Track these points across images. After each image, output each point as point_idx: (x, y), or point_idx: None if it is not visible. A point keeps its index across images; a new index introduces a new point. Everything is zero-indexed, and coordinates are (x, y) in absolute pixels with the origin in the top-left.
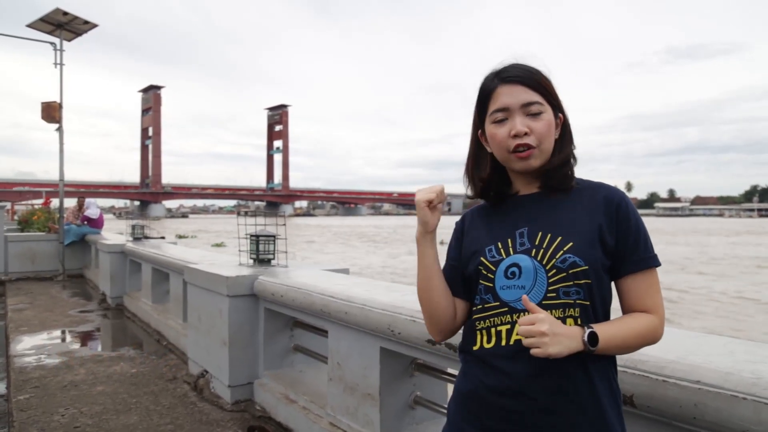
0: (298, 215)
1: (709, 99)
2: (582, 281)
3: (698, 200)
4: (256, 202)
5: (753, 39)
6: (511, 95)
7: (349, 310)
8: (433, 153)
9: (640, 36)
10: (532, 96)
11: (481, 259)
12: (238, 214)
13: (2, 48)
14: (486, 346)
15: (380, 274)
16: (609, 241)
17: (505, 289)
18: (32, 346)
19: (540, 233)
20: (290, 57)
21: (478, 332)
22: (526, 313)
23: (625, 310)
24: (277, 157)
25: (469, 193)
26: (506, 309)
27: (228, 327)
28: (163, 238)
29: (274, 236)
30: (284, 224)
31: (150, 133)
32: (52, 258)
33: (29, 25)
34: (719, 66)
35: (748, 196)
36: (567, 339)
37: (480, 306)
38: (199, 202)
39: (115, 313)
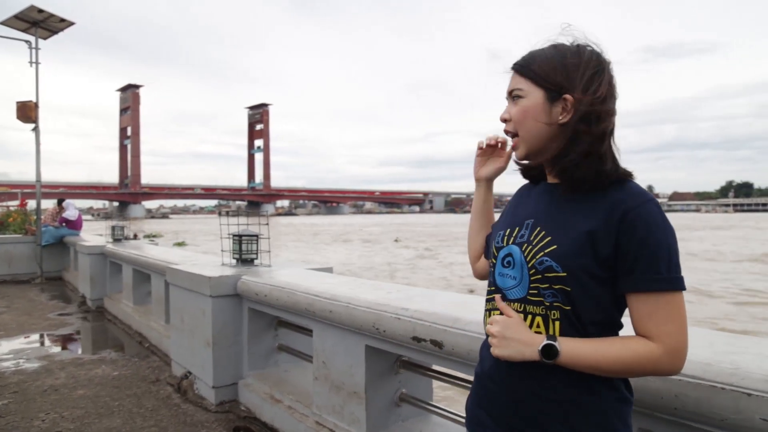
0: (279, 214)
1: (687, 97)
2: (557, 286)
3: (676, 196)
4: (238, 202)
5: (729, 38)
6: (510, 83)
7: (333, 309)
8: (415, 151)
9: (617, 35)
10: (518, 82)
11: (493, 243)
12: (219, 214)
13: None
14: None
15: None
16: (603, 251)
17: (501, 276)
18: (10, 351)
19: (537, 229)
20: (273, 54)
21: (486, 312)
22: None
23: (633, 330)
24: (259, 157)
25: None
26: (500, 295)
27: (211, 327)
28: (153, 237)
29: (257, 236)
30: (267, 223)
31: (129, 132)
32: (29, 260)
33: (2, 23)
34: (696, 64)
35: (724, 191)
36: (521, 345)
37: (489, 289)
38: (180, 203)
39: (96, 315)
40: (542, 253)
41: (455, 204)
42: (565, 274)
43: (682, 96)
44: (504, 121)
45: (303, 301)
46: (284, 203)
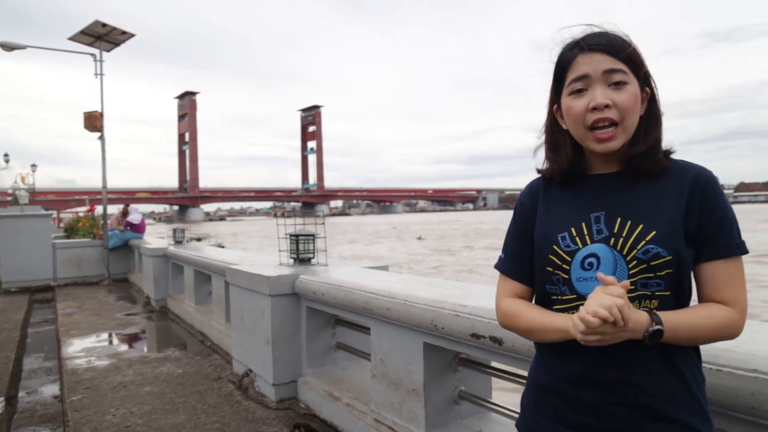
0: (333, 215)
1: (751, 82)
2: (664, 272)
3: (743, 187)
4: (292, 203)
5: None
6: (591, 63)
7: (391, 306)
8: (467, 148)
9: (674, 21)
10: (616, 64)
11: (554, 248)
12: (275, 215)
13: (43, 60)
14: None
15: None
16: (691, 226)
17: (582, 281)
18: (82, 349)
19: (619, 219)
20: (321, 56)
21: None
22: None
23: (702, 299)
24: (312, 158)
25: (546, 174)
26: (583, 302)
27: (271, 326)
28: (198, 240)
29: (313, 235)
30: (323, 223)
31: (186, 138)
32: (97, 263)
33: (71, 38)
34: (760, 47)
35: None
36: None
37: (558, 297)
38: (236, 205)
39: (160, 315)
40: (643, 241)
41: (509, 201)
42: (670, 257)
43: (746, 81)
44: (599, 107)
45: (360, 299)
46: (338, 203)
